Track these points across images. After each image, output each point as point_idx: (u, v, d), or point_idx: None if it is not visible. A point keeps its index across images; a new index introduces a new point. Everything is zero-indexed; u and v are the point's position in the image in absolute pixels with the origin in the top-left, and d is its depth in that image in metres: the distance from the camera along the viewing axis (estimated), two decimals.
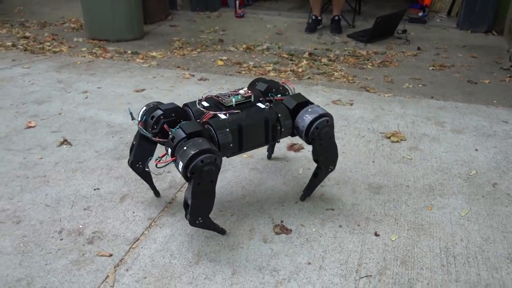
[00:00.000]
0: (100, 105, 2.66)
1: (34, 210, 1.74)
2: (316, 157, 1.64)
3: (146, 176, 1.72)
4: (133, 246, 1.56)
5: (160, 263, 1.48)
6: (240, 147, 1.53)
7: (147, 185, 1.77)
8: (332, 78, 3.39)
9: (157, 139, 1.50)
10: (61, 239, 1.59)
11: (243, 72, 3.52)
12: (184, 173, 1.33)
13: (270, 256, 1.50)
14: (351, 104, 2.71)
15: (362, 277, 1.41)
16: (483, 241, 1.56)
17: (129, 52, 4.00)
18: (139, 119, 1.55)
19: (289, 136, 1.65)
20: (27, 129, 2.37)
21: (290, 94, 1.70)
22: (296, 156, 2.11)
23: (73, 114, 2.54)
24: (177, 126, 1.41)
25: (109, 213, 1.72)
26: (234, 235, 1.60)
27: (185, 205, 1.41)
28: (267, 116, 1.54)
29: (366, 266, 1.45)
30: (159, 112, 1.51)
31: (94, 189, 1.86)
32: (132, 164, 1.65)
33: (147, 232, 1.63)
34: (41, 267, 1.46)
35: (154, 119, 1.50)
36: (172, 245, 1.56)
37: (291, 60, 3.94)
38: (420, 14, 5.30)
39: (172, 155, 1.38)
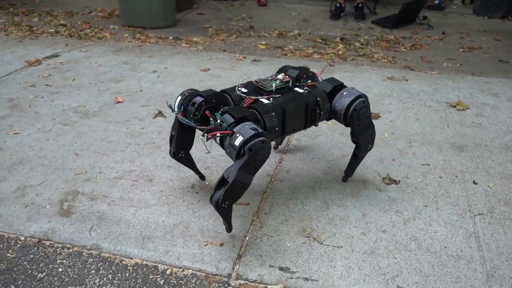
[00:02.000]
0: (175, 83, 2.82)
1: (159, 170, 1.91)
2: (355, 138, 1.66)
3: (190, 164, 1.75)
4: (264, 197, 1.75)
5: (295, 209, 1.67)
6: (283, 131, 1.52)
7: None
8: (374, 59, 3.61)
9: (202, 126, 1.46)
10: (196, 193, 1.77)
11: (289, 54, 3.70)
12: (239, 148, 1.30)
13: (389, 201, 1.71)
14: (406, 80, 2.93)
15: (476, 215, 1.63)
16: None
17: (171, 38, 4.15)
18: (176, 109, 1.53)
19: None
20: (117, 104, 2.52)
21: (319, 79, 1.71)
22: (376, 123, 2.32)
23: (153, 90, 2.70)
24: (221, 111, 1.41)
25: None
26: (350, 186, 1.80)
27: (220, 184, 1.35)
28: (307, 100, 1.54)
29: (475, 206, 1.68)
30: (200, 98, 1.49)
31: (206, 153, 2.04)
32: (175, 155, 1.66)
33: (270, 185, 1.82)
34: (190, 214, 1.64)
35: (196, 105, 1.48)
36: (298, 194, 1.75)
37: (326, 44, 4.14)
38: (436, 1, 5.56)
39: (221, 140, 1.38)
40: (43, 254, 1.47)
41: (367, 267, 1.40)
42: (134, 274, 1.39)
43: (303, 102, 1.53)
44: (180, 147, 1.66)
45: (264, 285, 1.35)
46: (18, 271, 1.41)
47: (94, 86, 2.75)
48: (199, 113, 1.49)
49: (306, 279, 1.36)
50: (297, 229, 1.57)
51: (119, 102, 2.54)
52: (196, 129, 1.51)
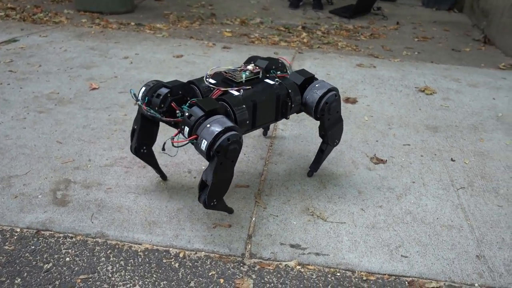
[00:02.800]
0: (150, 69, 2.76)
1: None
2: (323, 132, 1.64)
3: (151, 160, 1.63)
4: (262, 179, 1.78)
5: (294, 189, 1.73)
6: (253, 124, 1.46)
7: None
8: (338, 48, 3.73)
9: (168, 119, 1.38)
10: (194, 177, 1.77)
11: (256, 42, 3.73)
12: (208, 152, 1.26)
13: (380, 179, 1.81)
14: (374, 67, 3.07)
15: (459, 189, 1.77)
16: None
17: (133, 24, 4.02)
18: (140, 101, 1.44)
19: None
20: (92, 90, 2.43)
21: (288, 71, 1.67)
22: (355, 107, 2.42)
23: (128, 77, 2.63)
24: (190, 103, 1.34)
25: None
26: (342, 166, 1.88)
27: (202, 186, 1.33)
28: (278, 92, 1.49)
29: (457, 181, 1.82)
30: (165, 90, 1.41)
31: (172, 155, 2.03)
32: (136, 150, 1.55)
33: (266, 168, 1.85)
34: (192, 199, 1.64)
35: (161, 97, 1.39)
36: (295, 176, 1.80)
37: (289, 32, 4.21)
38: None
39: (190, 133, 1.30)
40: (45, 245, 1.41)
41: (371, 240, 1.49)
42: (147, 259, 1.38)
43: (274, 94, 1.48)
44: (142, 141, 1.55)
45: (278, 262, 1.39)
46: (21, 263, 1.34)
47: (64, 73, 2.62)
48: (164, 105, 1.39)
49: (317, 254, 1.42)
50: (300, 208, 1.62)
51: (94, 88, 2.45)
52: (160, 123, 1.45)
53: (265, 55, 3.15)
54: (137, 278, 1.31)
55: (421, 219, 1.59)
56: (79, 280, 1.30)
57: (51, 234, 1.46)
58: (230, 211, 1.52)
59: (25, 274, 1.31)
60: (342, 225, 1.55)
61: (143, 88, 1.45)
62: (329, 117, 1.59)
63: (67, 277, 1.30)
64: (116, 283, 1.29)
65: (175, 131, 1.39)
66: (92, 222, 1.51)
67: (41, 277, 1.30)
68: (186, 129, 1.30)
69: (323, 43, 3.85)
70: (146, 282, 1.30)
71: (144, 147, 1.57)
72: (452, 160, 1.96)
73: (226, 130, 1.25)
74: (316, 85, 1.56)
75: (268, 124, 1.56)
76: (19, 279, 1.29)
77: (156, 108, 1.40)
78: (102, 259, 1.37)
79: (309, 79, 1.59)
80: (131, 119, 2.16)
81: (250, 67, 1.55)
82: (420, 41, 4.13)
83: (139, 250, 1.41)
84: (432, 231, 1.54)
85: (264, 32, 4.11)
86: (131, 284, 1.29)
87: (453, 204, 1.67)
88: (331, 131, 1.64)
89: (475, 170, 1.90)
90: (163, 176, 1.72)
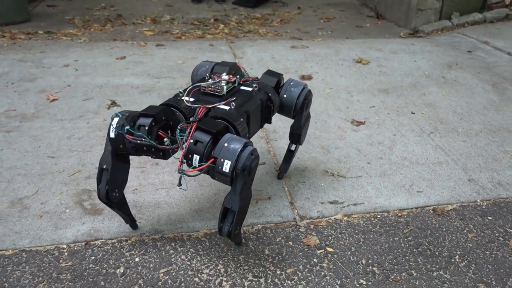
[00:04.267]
0: (101, 73, 2.64)
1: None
2: (297, 131, 1.59)
3: (123, 206, 1.39)
4: (272, 155, 1.91)
5: (305, 157, 1.89)
6: (249, 136, 1.37)
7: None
8: (262, 34, 3.95)
9: (172, 147, 1.23)
10: None
11: (183, 37, 3.76)
12: (231, 174, 1.15)
13: (367, 137, 2.07)
14: (307, 47, 3.35)
15: (429, 134, 2.11)
16: (465, 104, 2.44)
17: (41, 32, 3.73)
18: (114, 133, 1.24)
19: None
20: (53, 102, 2.27)
21: (245, 74, 1.58)
22: (313, 82, 2.66)
23: (84, 83, 2.49)
24: (180, 129, 1.22)
25: None
26: (333, 131, 2.10)
27: (224, 215, 1.21)
28: (262, 98, 1.42)
29: (425, 128, 2.16)
30: (147, 119, 1.22)
31: (180, 188, 2.07)
32: (108, 195, 1.29)
33: (269, 145, 1.99)
34: (221, 184, 1.71)
35: (147, 127, 1.21)
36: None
37: (205, 26, 4.31)
38: None
39: (201, 159, 1.17)
40: (104, 253, 1.38)
41: (389, 185, 1.73)
42: (213, 242, 1.43)
43: (259, 101, 1.40)
44: (115, 184, 1.31)
45: (327, 218, 1.56)
46: (91, 274, 1.30)
47: (7, 88, 2.39)
48: (152, 136, 1.21)
49: (354, 204, 1.62)
50: (319, 171, 1.80)
51: (54, 100, 2.29)
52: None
53: (201, 48, 3.22)
54: (215, 259, 1.36)
55: (416, 161, 1.89)
56: (162, 274, 1.31)
57: (103, 242, 1.42)
58: (241, 241, 1.43)
59: (102, 283, 1.27)
60: (361, 178, 1.77)
61: (116, 119, 1.24)
62: (305, 113, 1.58)
63: (147, 275, 1.30)
64: (199, 268, 1.33)
65: (150, 164, 1.30)
66: (140, 222, 1.49)
67: (120, 281, 1.28)
68: (196, 157, 1.17)
69: (245, 32, 4.03)
70: (226, 260, 1.36)
71: (116, 190, 1.32)
72: (412, 113, 2.31)
73: (244, 146, 1.16)
74: (291, 83, 1.54)
75: (256, 132, 1.47)
76: None
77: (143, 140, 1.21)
78: (171, 251, 1.39)
79: (280, 79, 1.55)
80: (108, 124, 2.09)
81: (224, 76, 1.42)
82: (326, 22, 4.55)
83: (200, 236, 1.45)
84: (429, 169, 1.84)
85: (183, 28, 4.14)
86: (213, 265, 1.34)
87: (432, 146, 2.01)
88: (304, 129, 1.62)
89: (432, 118, 2.27)
90: (134, 225, 1.47)
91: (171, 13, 4.75)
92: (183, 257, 1.37)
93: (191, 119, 1.28)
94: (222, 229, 1.21)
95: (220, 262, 1.36)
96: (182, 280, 1.29)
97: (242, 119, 1.29)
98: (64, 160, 1.81)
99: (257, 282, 1.29)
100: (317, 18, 4.65)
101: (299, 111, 1.53)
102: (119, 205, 1.36)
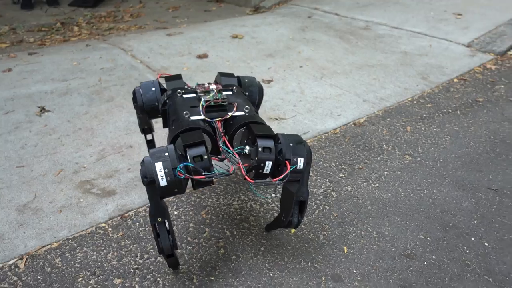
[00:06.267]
0: (50, 75, 2.51)
1: (128, 137, 2.04)
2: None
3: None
4: None
5: None
6: None
7: None
8: (125, 29, 4.07)
9: (245, 165, 1.18)
10: None
11: (47, 44, 3.65)
12: (302, 167, 1.18)
13: (281, 89, 2.57)
14: (183, 33, 3.66)
15: (321, 78, 2.73)
16: (331, 54, 3.15)
17: None
18: (167, 180, 1.07)
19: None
20: None
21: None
22: (207, 60, 3.03)
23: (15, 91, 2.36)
24: (224, 142, 1.23)
25: None
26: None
27: (301, 208, 1.26)
28: (244, 98, 1.43)
29: (315, 75, 2.78)
30: (201, 147, 1.13)
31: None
32: (174, 247, 1.21)
33: None
34: None
35: (206, 156, 1.11)
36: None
37: (57, 30, 4.20)
38: None
39: (277, 163, 1.18)
40: (143, 217, 1.57)
41: (317, 116, 2.27)
42: (226, 183, 1.75)
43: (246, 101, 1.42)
44: (173, 232, 1.22)
45: None
46: (145, 235, 1.49)
47: None
48: (211, 164, 1.13)
49: (303, 133, 2.11)
50: (265, 119, 2.23)
51: None
52: None
53: (82, 49, 3.25)
54: (235, 193, 1.70)
55: (324, 97, 2.48)
56: (203, 214, 1.58)
57: (136, 211, 1.60)
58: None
59: None
60: (296, 117, 2.26)
61: (158, 166, 1.07)
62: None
63: (193, 219, 1.56)
64: (228, 202, 1.65)
65: None
66: None
67: (176, 231, 1.51)
68: (268, 163, 1.16)
69: (107, 30, 4.09)
70: (244, 191, 1.70)
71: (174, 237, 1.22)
72: (300, 66, 2.91)
73: (299, 138, 1.23)
74: (246, 80, 1.55)
75: None
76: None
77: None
78: (197, 200, 1.66)
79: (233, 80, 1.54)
80: (56, 125, 2.13)
81: (212, 86, 1.40)
82: (174, 11, 4.86)
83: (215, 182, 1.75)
84: (336, 100, 2.45)
85: (35, 35, 3.96)
86: (236, 198, 1.67)
87: (328, 85, 2.63)
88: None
89: (316, 67, 2.91)
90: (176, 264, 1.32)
91: (6, 23, 4.42)
92: (212, 198, 1.66)
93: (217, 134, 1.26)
94: (292, 221, 1.27)
95: (240, 194, 1.69)
96: (221, 212, 1.59)
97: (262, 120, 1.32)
98: (38, 165, 1.83)
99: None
100: (163, 9, 4.92)
101: (259, 102, 1.56)
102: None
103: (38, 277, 1.33)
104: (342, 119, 2.25)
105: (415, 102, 2.45)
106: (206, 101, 1.29)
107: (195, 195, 1.69)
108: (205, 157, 1.11)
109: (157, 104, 1.44)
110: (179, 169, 1.07)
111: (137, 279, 1.33)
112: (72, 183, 1.73)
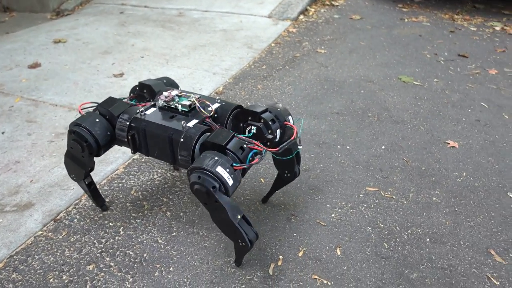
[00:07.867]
0: None
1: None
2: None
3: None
4: None
5: None
6: None
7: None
8: None
9: (274, 149, 1.31)
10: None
11: None
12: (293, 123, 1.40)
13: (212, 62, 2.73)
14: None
15: (214, 74, 2.97)
16: (191, 42, 3.38)
17: None
18: (232, 179, 1.21)
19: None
20: None
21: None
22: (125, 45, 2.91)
23: None
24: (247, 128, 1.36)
25: None
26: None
27: (297, 157, 1.51)
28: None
29: (213, 57, 3.00)
30: (237, 139, 1.28)
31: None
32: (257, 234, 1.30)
33: None
34: None
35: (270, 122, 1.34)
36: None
37: None
38: None
39: (283, 129, 1.38)
40: (78, 214, 1.62)
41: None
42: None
43: None
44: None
45: None
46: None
47: None
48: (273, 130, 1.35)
49: None
50: None
51: None
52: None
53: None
54: None
55: (232, 66, 2.74)
56: None
57: (66, 211, 1.64)
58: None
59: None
60: None
61: (220, 170, 1.18)
62: None
63: (153, 197, 1.69)
64: None
65: None
66: None
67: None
68: (279, 131, 1.35)
69: None
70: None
71: None
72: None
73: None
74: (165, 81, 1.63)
75: None
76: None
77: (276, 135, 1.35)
78: None
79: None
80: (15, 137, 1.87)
81: (173, 92, 1.44)
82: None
83: None
84: (234, 62, 2.74)
85: None
86: None
87: (239, 58, 2.89)
88: None
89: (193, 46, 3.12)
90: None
91: None
92: (132, 180, 1.80)
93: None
94: (296, 173, 1.52)
95: (157, 169, 1.87)
96: (148, 188, 1.76)
97: None
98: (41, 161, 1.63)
99: None
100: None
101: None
102: None
103: None
104: (205, 91, 2.57)
105: (252, 66, 2.93)
106: (189, 106, 1.36)
107: (115, 182, 1.79)
108: (245, 146, 1.26)
109: (109, 133, 1.40)
110: (235, 164, 1.21)
111: (108, 258, 1.43)
112: (55, 162, 1.64)
